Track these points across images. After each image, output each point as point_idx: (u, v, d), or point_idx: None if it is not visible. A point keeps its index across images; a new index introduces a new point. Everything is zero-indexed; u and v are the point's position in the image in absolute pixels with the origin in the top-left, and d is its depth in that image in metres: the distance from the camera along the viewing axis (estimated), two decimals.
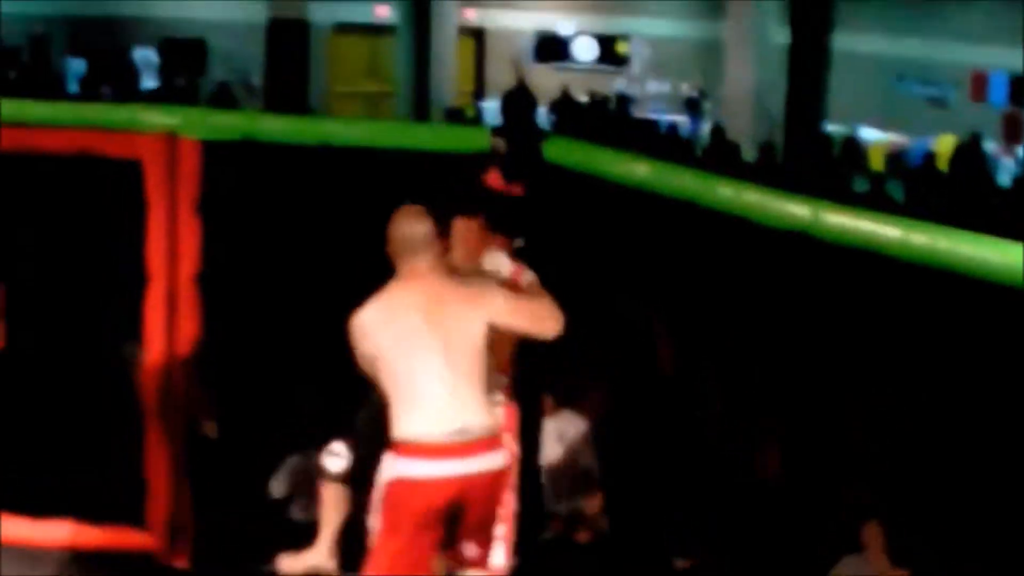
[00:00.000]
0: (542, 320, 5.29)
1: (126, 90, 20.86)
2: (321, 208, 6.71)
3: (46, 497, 5.84)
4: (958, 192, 17.35)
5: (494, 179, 6.15)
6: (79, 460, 7.60)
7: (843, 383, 8.15)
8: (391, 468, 5.13)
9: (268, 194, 6.88)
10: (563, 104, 22.99)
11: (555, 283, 6.41)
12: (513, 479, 6.21)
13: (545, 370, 6.71)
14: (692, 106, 25.08)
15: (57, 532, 6.41)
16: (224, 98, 21.04)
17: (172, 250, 6.41)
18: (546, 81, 24.89)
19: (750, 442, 7.42)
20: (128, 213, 6.49)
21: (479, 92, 26.98)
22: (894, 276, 5.59)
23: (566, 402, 7.89)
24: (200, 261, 6.44)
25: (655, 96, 25.61)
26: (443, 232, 5.33)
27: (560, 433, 7.94)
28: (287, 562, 6.26)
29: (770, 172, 15.78)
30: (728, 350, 8.61)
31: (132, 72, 23.27)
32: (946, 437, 8.06)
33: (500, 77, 25.65)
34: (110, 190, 6.80)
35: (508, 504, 5.64)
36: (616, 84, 25.98)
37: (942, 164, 19.31)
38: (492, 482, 5.22)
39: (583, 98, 24.18)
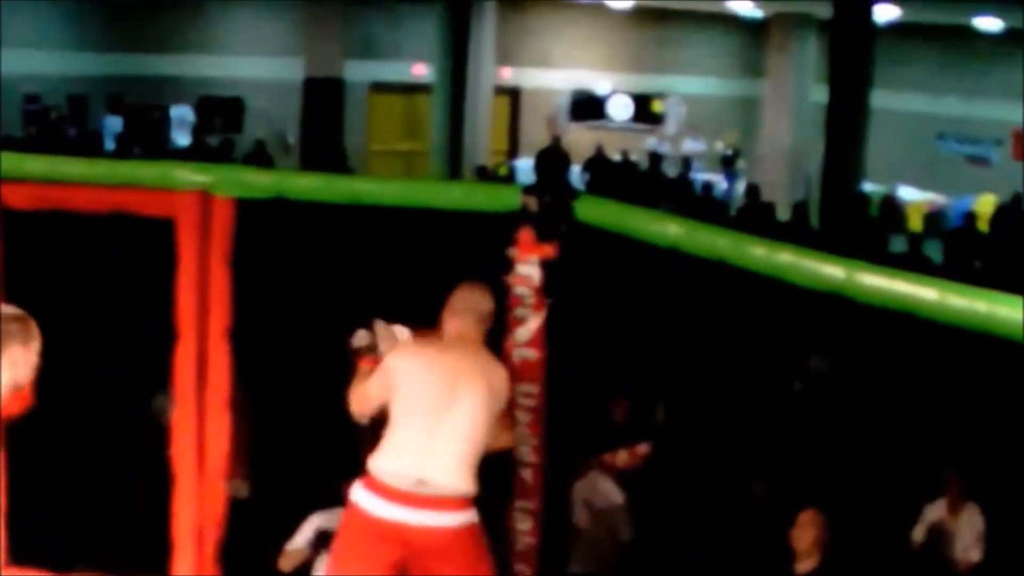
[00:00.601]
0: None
1: (160, 148, 20.95)
2: (352, 265, 6.71)
3: (69, 551, 5.75)
4: (998, 253, 17.24)
5: (525, 238, 6.12)
6: (104, 514, 7.60)
7: (880, 448, 8.09)
8: (355, 493, 5.48)
9: (300, 252, 6.87)
10: (596, 163, 22.98)
11: (588, 342, 6.39)
12: (527, 542, 6.28)
13: (575, 431, 6.67)
14: (727, 164, 25.07)
15: None
16: (260, 156, 21.11)
17: (203, 306, 6.40)
18: (582, 140, 24.93)
19: (784, 506, 7.35)
20: (159, 269, 6.50)
21: (513, 151, 27.02)
22: (931, 339, 5.52)
23: (596, 462, 7.84)
24: (231, 317, 6.44)
25: (690, 154, 25.60)
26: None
27: (589, 495, 7.86)
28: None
29: (803, 232, 15.73)
30: (761, 410, 8.57)
31: (167, 130, 23.40)
32: (991, 503, 7.98)
33: (535, 136, 25.73)
34: (141, 246, 6.81)
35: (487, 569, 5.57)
36: (648, 142, 25.98)
37: (982, 224, 19.18)
38: (449, 540, 5.38)
39: (618, 157, 24.18)
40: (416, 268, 6.04)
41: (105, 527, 7.18)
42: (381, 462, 5.42)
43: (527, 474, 6.28)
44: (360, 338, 5.87)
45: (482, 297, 5.69)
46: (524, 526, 6.32)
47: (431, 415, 5.41)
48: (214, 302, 6.41)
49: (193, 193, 6.33)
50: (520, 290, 6.14)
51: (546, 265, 6.10)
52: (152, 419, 7.73)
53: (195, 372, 6.46)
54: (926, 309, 4.55)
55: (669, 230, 5.58)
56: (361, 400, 5.66)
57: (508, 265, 6.15)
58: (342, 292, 6.24)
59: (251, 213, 6.32)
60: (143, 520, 7.71)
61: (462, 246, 6.42)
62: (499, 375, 5.62)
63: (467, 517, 5.43)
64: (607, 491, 7.98)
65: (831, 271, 4.91)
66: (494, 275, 6.15)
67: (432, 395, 5.43)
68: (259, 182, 6.41)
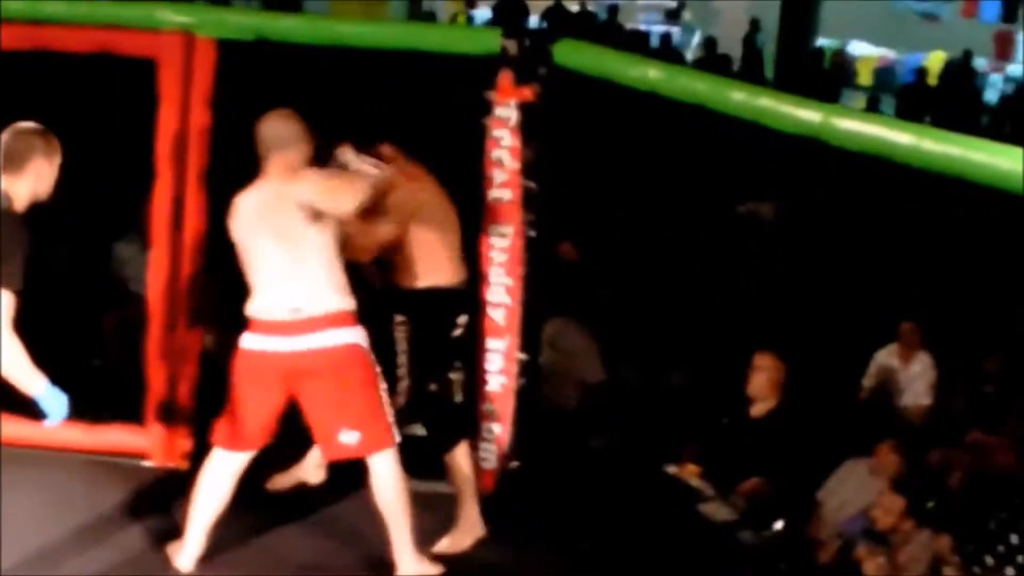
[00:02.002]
0: (336, 194, 5.39)
1: None
2: (329, 106, 6.73)
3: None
4: (947, 108, 17.41)
5: (504, 82, 6.18)
6: (80, 360, 7.67)
7: (851, 291, 8.21)
8: (240, 341, 5.51)
9: (280, 94, 6.87)
10: (554, 13, 22.83)
11: (560, 186, 6.47)
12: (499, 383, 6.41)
13: (549, 274, 6.76)
14: (671, 16, 24.97)
15: (54, 433, 6.44)
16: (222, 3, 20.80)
17: (182, 148, 6.44)
18: None
19: (742, 348, 7.49)
20: (137, 110, 6.51)
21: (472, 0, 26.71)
22: (905, 183, 5.62)
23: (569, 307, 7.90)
24: (209, 159, 6.48)
25: (646, 7, 25.43)
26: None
27: (555, 337, 7.95)
28: (277, 480, 6.36)
29: (757, 82, 15.78)
30: (723, 253, 8.69)
31: None
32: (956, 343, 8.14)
33: None
34: (119, 87, 6.81)
35: (375, 384, 5.56)
36: None
37: (932, 80, 19.34)
38: (335, 358, 5.43)
39: (576, 7, 23.98)
40: (394, 110, 6.07)
41: (82, 374, 7.23)
42: (254, 303, 5.48)
43: (499, 315, 6.40)
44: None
45: (281, 124, 5.47)
46: (496, 366, 6.45)
47: (267, 252, 5.41)
48: (193, 143, 6.46)
49: (175, 33, 6.36)
50: (498, 132, 6.21)
51: (524, 108, 6.18)
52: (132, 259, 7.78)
53: (171, 213, 6.51)
54: (901, 153, 4.64)
55: (648, 74, 5.64)
56: None
57: (487, 108, 6.22)
58: (320, 133, 6.26)
59: (232, 54, 6.34)
60: (118, 366, 7.82)
61: (441, 88, 6.46)
62: (301, 185, 5.39)
63: (345, 335, 5.45)
64: (573, 332, 8.07)
65: (808, 115, 4.99)
66: (473, 117, 6.22)
67: (259, 237, 5.43)
68: (241, 23, 6.41)
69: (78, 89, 7.22)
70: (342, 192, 5.38)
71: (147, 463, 6.60)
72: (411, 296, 5.96)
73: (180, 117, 6.41)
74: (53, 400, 4.87)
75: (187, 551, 5.63)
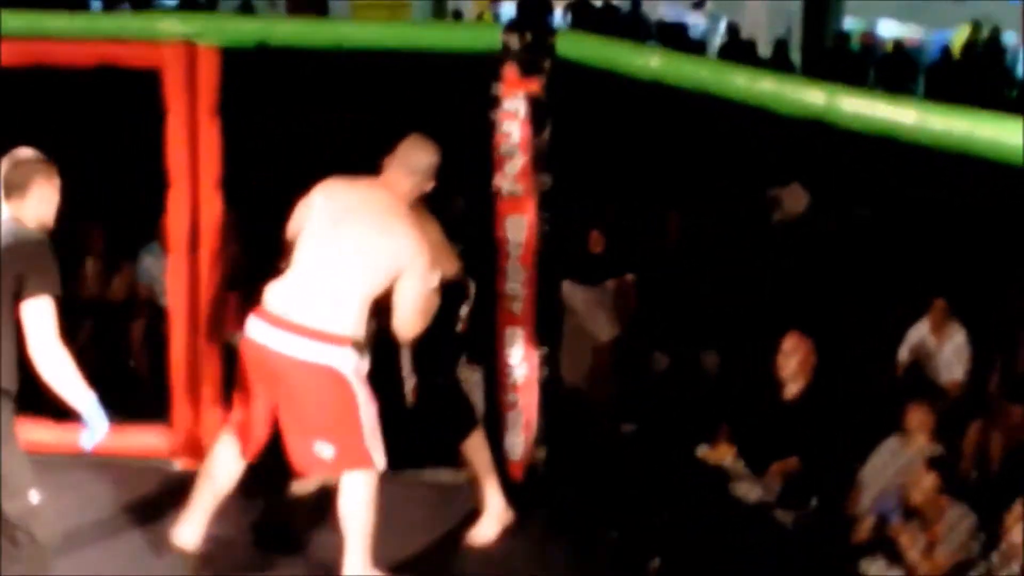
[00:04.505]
0: (419, 319, 5.44)
1: (147, 2, 20.70)
2: (337, 110, 6.73)
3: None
4: (975, 83, 17.29)
5: (510, 75, 6.17)
6: (105, 364, 7.71)
7: (863, 271, 8.15)
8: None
9: (285, 98, 6.89)
10: (579, 6, 22.81)
11: (569, 179, 6.46)
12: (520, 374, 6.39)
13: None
14: (697, 6, 24.93)
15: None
16: (246, 12, 20.90)
17: (193, 157, 6.44)
18: None
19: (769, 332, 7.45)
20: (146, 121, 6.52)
21: None
22: (911, 162, 5.57)
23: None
24: (222, 167, 6.48)
25: None
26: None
27: (567, 299, 7.84)
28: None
29: (784, 69, 15.76)
30: (744, 237, 8.65)
31: None
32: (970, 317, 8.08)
33: None
34: (125, 99, 6.83)
35: (362, 414, 5.42)
36: None
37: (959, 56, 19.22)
38: (316, 373, 5.29)
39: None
40: (403, 111, 6.05)
41: (107, 375, 7.26)
42: (269, 291, 5.42)
43: (516, 306, 6.38)
44: None
45: (419, 151, 5.52)
46: (516, 357, 6.44)
47: (326, 257, 5.33)
48: (204, 152, 6.46)
49: (178, 43, 6.35)
50: (507, 126, 6.20)
51: (532, 100, 6.15)
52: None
53: (188, 223, 6.52)
54: (906, 132, 4.57)
55: (651, 62, 5.60)
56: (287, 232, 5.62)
57: (495, 102, 6.21)
58: (329, 137, 6.26)
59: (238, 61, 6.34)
60: (145, 371, 7.85)
61: (448, 87, 6.45)
62: (414, 240, 5.36)
63: (328, 355, 5.30)
64: (581, 293, 7.98)
65: (812, 97, 4.93)
66: (481, 113, 6.21)
67: (322, 228, 5.37)
68: (242, 30, 6.42)
69: (81, 104, 7.25)
70: (423, 316, 5.45)
71: (175, 465, 6.63)
72: None
73: (188, 126, 6.41)
74: (98, 418, 4.82)
75: (189, 527, 5.62)
